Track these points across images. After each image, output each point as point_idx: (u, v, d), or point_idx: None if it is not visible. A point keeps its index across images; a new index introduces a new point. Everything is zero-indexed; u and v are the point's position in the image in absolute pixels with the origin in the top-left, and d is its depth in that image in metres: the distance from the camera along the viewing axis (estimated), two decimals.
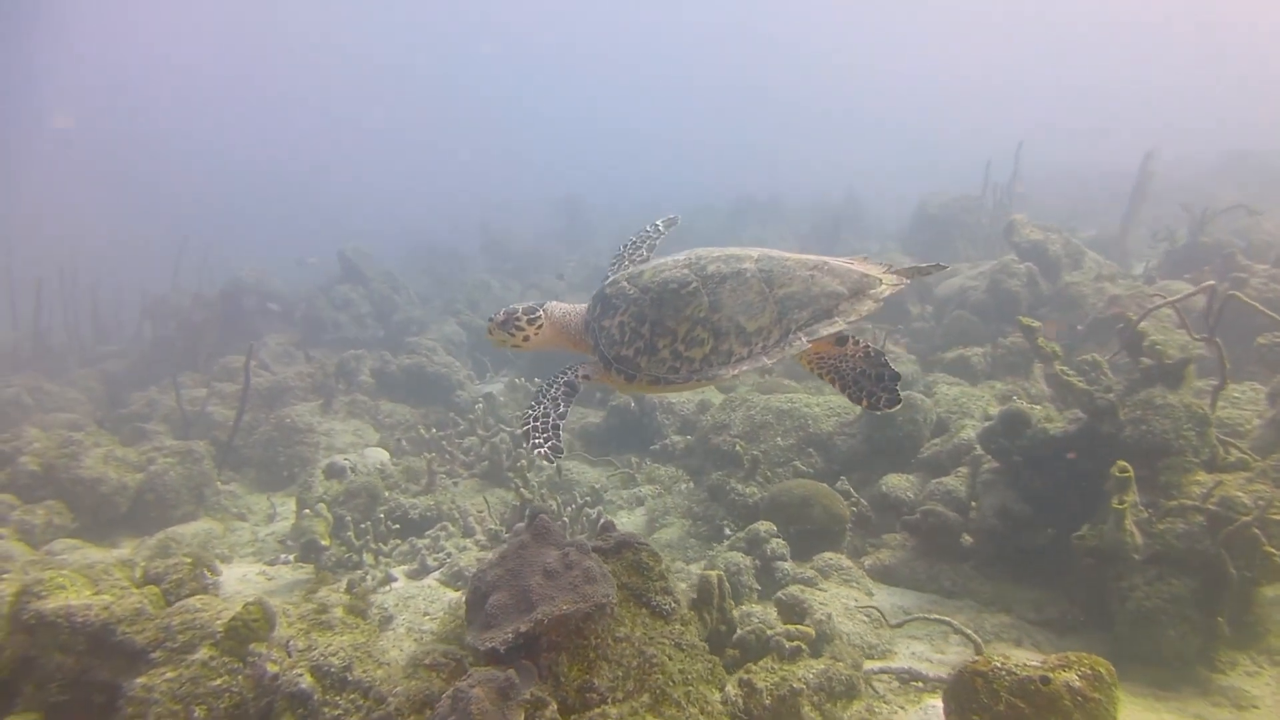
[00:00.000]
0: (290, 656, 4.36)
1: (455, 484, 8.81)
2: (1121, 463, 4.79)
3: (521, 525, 3.85)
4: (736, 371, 3.35)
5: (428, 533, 7.32)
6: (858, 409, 7.56)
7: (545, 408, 3.46)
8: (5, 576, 6.17)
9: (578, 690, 3.16)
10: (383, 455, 10.67)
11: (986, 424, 6.04)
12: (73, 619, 4.21)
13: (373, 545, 6.70)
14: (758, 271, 3.43)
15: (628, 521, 8.01)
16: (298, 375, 14.25)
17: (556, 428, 3.40)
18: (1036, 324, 5.83)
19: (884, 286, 3.44)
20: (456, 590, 6.08)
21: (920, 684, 4.44)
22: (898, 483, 6.58)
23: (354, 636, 4.51)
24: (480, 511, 7.98)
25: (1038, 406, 7.10)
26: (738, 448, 7.23)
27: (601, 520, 6.95)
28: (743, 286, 3.38)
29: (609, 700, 3.12)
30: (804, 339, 3.31)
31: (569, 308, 3.82)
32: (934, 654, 4.93)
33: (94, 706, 4.26)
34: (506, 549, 3.42)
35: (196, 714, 3.96)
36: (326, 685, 4.19)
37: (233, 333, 18.03)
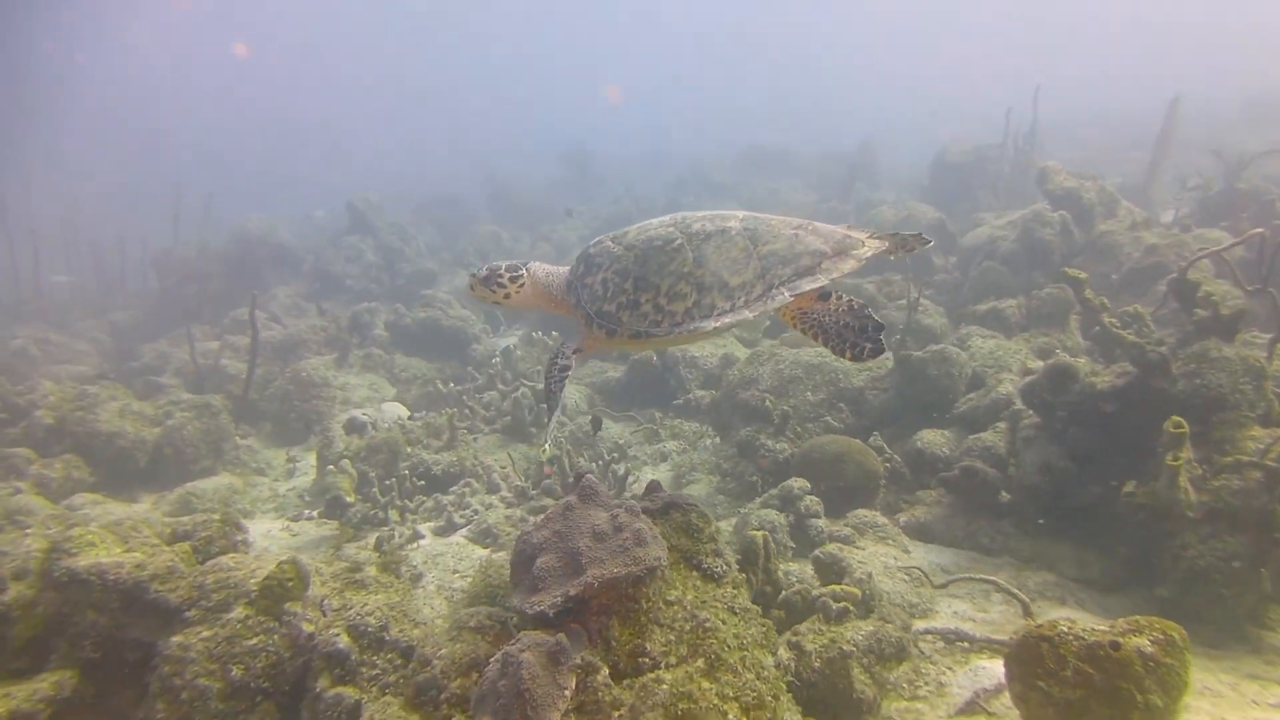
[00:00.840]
0: (325, 616, 4.28)
1: (475, 439, 8.71)
2: (1176, 418, 4.62)
3: (543, 484, 3.72)
4: (718, 324, 3.37)
5: (452, 489, 7.23)
6: (889, 363, 7.40)
7: (551, 403, 3.73)
8: (29, 531, 6.13)
9: (629, 655, 3.05)
10: (400, 410, 10.57)
11: (1028, 378, 5.86)
12: (105, 576, 4.12)
13: (398, 502, 6.61)
14: (742, 230, 3.48)
15: (653, 478, 7.90)
16: (311, 329, 14.12)
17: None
18: (1083, 275, 5.61)
19: (866, 248, 3.50)
20: (485, 548, 6.00)
21: (966, 644, 4.35)
22: (933, 438, 6.43)
23: (388, 596, 4.42)
24: (504, 468, 7.89)
25: (1081, 359, 6.92)
26: (767, 403, 7.09)
27: (629, 476, 6.87)
28: (727, 244, 3.43)
29: (662, 665, 3.01)
30: (786, 293, 3.36)
31: (551, 269, 3.86)
32: (977, 613, 4.83)
33: (127, 664, 4.20)
34: (552, 510, 3.29)
35: (234, 673, 3.89)
36: (364, 645, 4.12)
37: (241, 284, 17.86)
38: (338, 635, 4.06)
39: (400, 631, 4.21)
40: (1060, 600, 4.98)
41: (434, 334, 13.43)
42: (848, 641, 3.70)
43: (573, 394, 9.58)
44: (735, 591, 3.21)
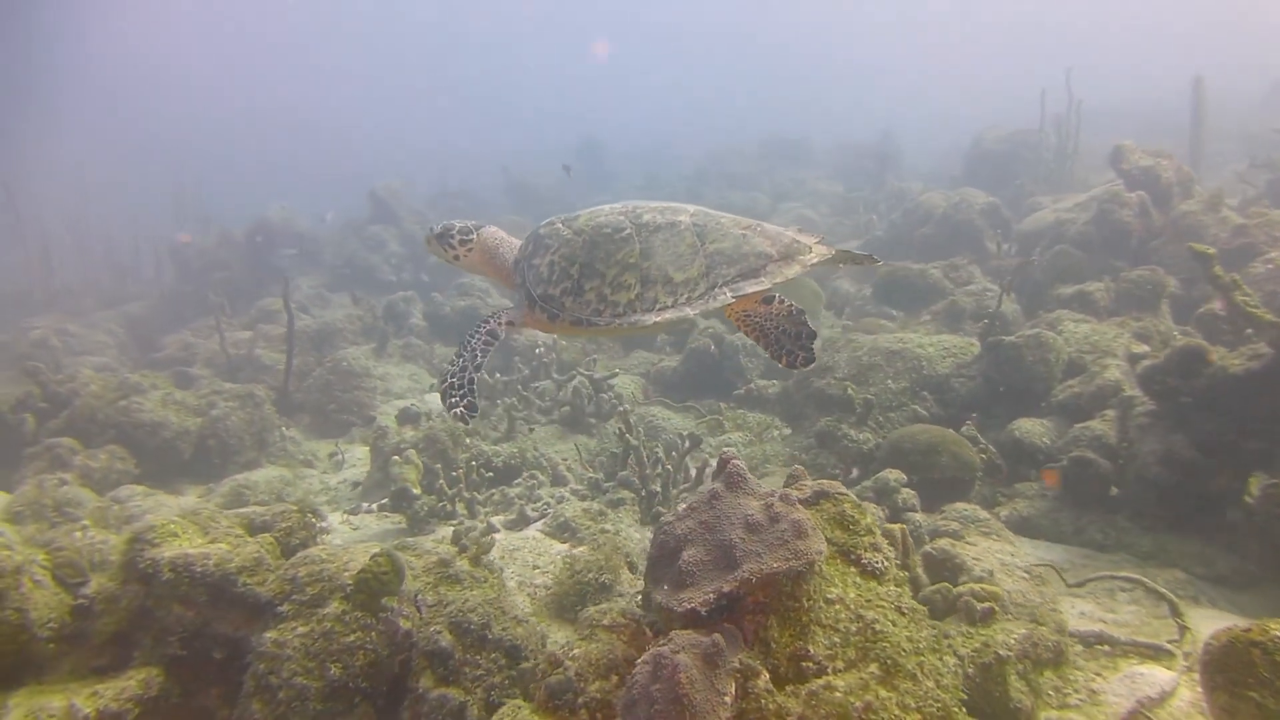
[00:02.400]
0: (420, 612, 4.02)
1: (531, 430, 8.43)
2: None
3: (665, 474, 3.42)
4: (659, 319, 3.36)
5: (517, 482, 6.96)
6: (975, 349, 7.07)
7: (464, 361, 3.52)
8: (81, 524, 5.91)
9: (790, 658, 2.76)
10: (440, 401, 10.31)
11: (1148, 362, 5.50)
12: (192, 568, 3.87)
13: (465, 494, 6.34)
14: (692, 225, 3.48)
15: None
16: (346, 318, 13.93)
17: (471, 383, 3.47)
18: (1211, 250, 5.26)
19: (813, 254, 3.54)
20: (564, 542, 5.72)
21: (1108, 648, 4.02)
22: (1031, 428, 6.09)
23: (484, 591, 4.15)
24: (566, 461, 7.61)
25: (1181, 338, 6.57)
26: (849, 391, 6.77)
27: (705, 468, 6.57)
28: (675, 238, 3.43)
29: (828, 670, 2.71)
30: (728, 294, 3.37)
31: (504, 238, 3.84)
32: (1105, 614, 4.51)
33: (214, 661, 3.95)
34: (696, 500, 3.00)
35: (332, 672, 3.63)
36: (466, 644, 3.85)
37: (261, 274, 17.67)
38: (439, 632, 3.80)
39: (503, 630, 3.95)
40: (1194, 599, 4.65)
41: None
42: (1003, 645, 3.39)
43: (627, 384, 9.29)
44: (899, 590, 2.91)
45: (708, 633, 2.73)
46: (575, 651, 3.00)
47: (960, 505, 5.66)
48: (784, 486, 3.20)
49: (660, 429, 8.29)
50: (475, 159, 36.90)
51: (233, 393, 9.61)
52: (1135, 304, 7.61)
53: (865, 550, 2.97)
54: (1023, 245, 12.08)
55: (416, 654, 3.82)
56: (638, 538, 5.77)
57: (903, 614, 2.82)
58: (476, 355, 3.55)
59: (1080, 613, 4.53)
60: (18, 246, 19.42)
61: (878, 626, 2.75)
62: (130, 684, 3.65)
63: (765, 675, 2.70)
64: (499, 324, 3.66)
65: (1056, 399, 6.33)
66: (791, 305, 3.54)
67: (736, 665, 2.68)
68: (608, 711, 2.87)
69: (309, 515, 4.65)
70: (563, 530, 5.77)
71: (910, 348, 7.13)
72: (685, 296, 3.38)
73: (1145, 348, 6.45)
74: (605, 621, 3.05)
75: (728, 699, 2.62)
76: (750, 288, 3.41)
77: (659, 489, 6.13)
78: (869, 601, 2.84)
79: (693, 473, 6.54)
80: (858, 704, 2.55)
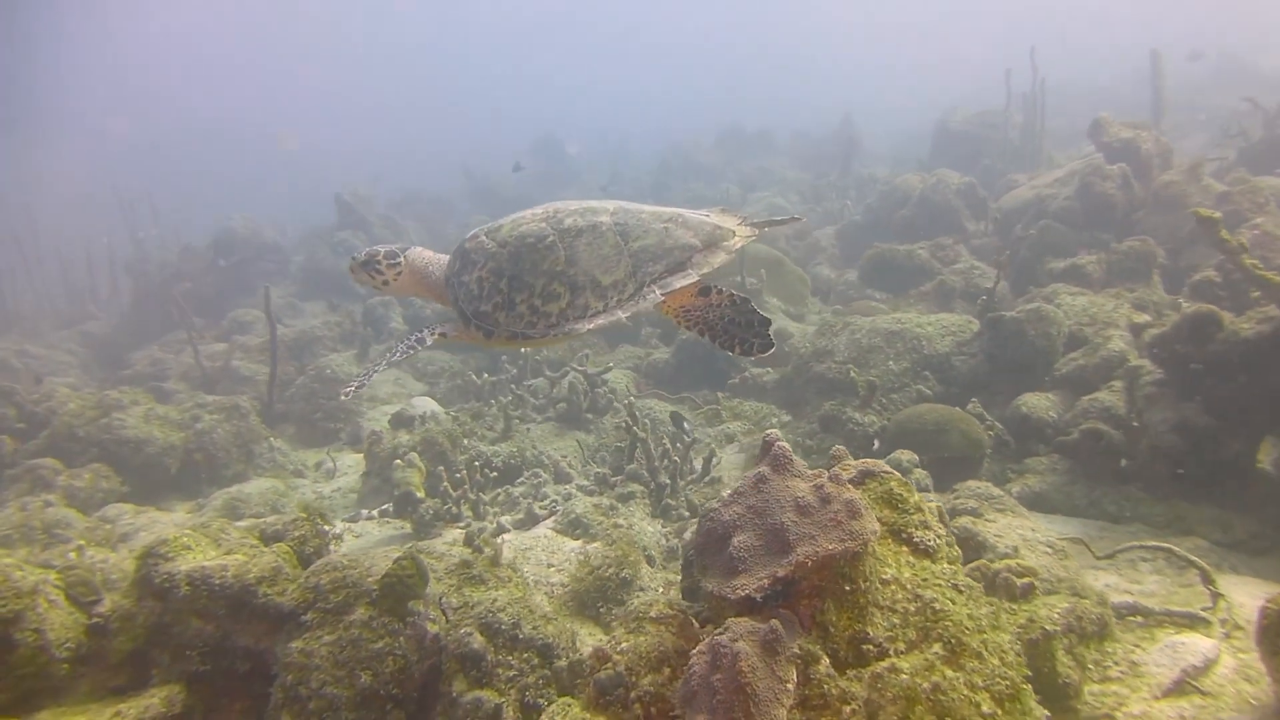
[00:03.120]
0: (445, 614, 3.92)
1: (528, 429, 8.31)
2: None
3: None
4: (592, 326, 3.34)
5: (519, 481, 6.85)
6: (974, 326, 7.09)
7: (383, 361, 3.62)
8: (75, 545, 5.70)
9: (849, 642, 2.70)
10: (432, 404, 10.16)
11: (1157, 330, 5.53)
12: (210, 581, 3.74)
13: (470, 495, 6.22)
14: (613, 225, 3.44)
15: (723, 460, 7.56)
16: (325, 325, 13.67)
17: (369, 375, 3.63)
18: (1217, 215, 5.28)
19: (737, 238, 3.54)
20: (576, 539, 5.63)
21: (1141, 619, 4.02)
22: (1037, 402, 6.10)
23: (510, 591, 4.06)
24: (566, 458, 7.51)
25: (1168, 314, 6.65)
26: (852, 374, 6.74)
27: (713, 458, 6.52)
28: (598, 240, 3.39)
29: (890, 652, 2.66)
30: (658, 292, 3.35)
31: (432, 256, 3.79)
32: (1130, 585, 4.52)
33: (237, 675, 3.83)
34: (742, 485, 2.93)
35: (363, 680, 3.53)
36: (498, 644, 3.76)
37: (228, 286, 17.26)
38: (470, 634, 3.70)
39: (534, 629, 3.86)
40: (1215, 566, 4.67)
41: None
42: (1047, 620, 3.36)
43: (620, 378, 9.19)
44: (953, 567, 2.87)
45: (764, 619, 2.66)
46: (623, 645, 2.92)
47: (972, 483, 5.65)
48: (763, 457, 3.14)
49: (658, 422, 8.22)
50: (436, 162, 36.53)
51: (217, 405, 9.37)
52: (1127, 275, 7.68)
53: (916, 528, 2.92)
54: (1001, 223, 12.18)
55: (447, 657, 3.72)
56: (651, 531, 5.70)
57: (960, 592, 2.78)
58: (395, 355, 3.60)
59: (1105, 585, 4.53)
60: None
61: (937, 605, 2.70)
62: (153, 702, 3.52)
63: (826, 660, 2.64)
64: (432, 336, 3.64)
65: (1060, 372, 6.35)
66: (733, 293, 3.51)
67: (796, 651, 2.62)
68: (662, 705, 2.79)
69: (320, 523, 4.52)
70: (574, 527, 5.68)
71: (909, 328, 7.12)
72: (615, 299, 3.36)
73: (1146, 317, 6.50)
74: (652, 614, 2.97)
75: (790, 686, 2.56)
76: (679, 283, 3.38)
77: (668, 481, 6.06)
78: (925, 581, 2.79)
79: (697, 465, 6.49)
80: (925, 685, 2.50)
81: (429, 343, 3.62)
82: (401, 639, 3.70)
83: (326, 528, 4.53)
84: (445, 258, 3.74)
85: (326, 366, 10.97)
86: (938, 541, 2.91)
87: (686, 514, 5.96)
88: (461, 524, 6.07)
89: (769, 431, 2.89)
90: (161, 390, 11.61)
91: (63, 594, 3.71)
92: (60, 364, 14.43)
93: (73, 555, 5.07)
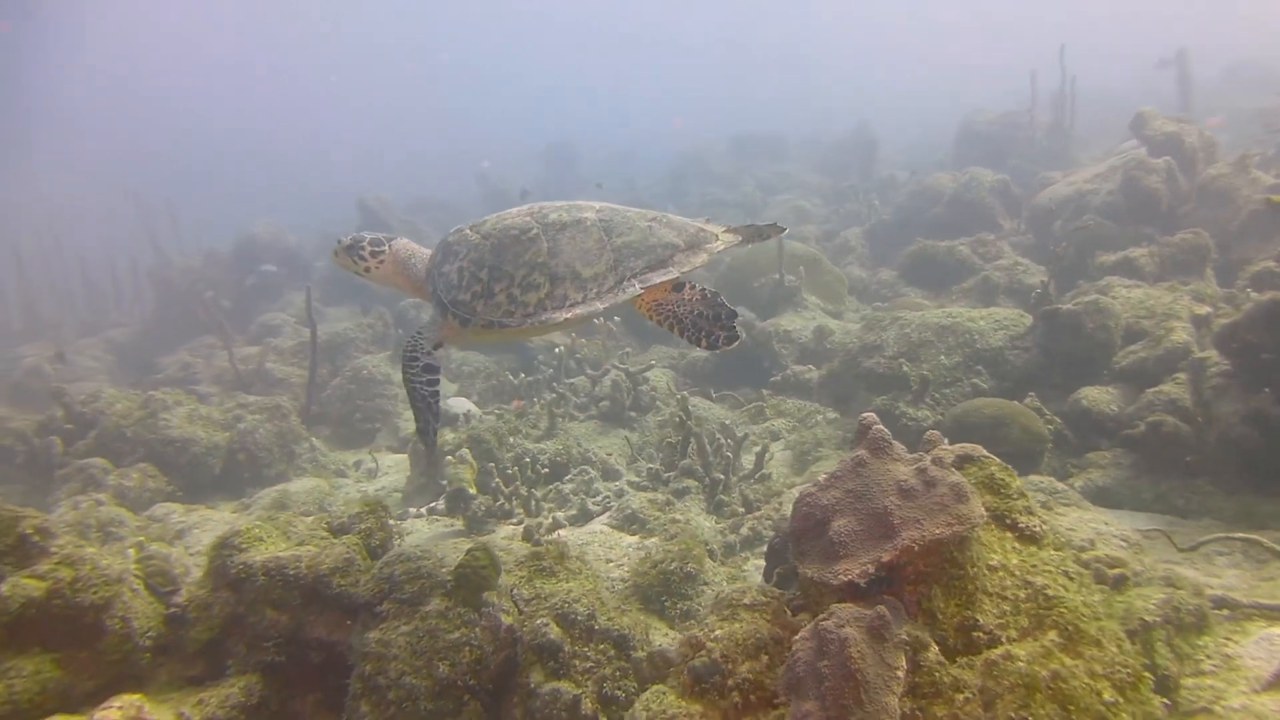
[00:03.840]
0: (517, 606, 3.89)
1: (571, 427, 8.28)
2: None
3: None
4: (570, 315, 3.39)
5: (568, 477, 6.83)
6: (1027, 320, 7.00)
7: (424, 411, 3.69)
8: (134, 540, 5.72)
9: (958, 629, 2.65)
10: (468, 404, 10.18)
11: (1228, 321, 5.42)
12: (285, 571, 3.74)
13: (522, 492, 6.19)
14: (598, 221, 3.54)
15: (775, 459, 7.50)
16: (357, 326, 13.71)
17: (436, 417, 3.73)
18: None
19: (719, 242, 3.61)
20: (632, 534, 5.59)
21: (1228, 611, 3.93)
22: (1098, 396, 6.00)
23: (580, 583, 4.01)
24: (611, 455, 7.48)
25: (1222, 307, 6.54)
26: (904, 368, 6.67)
27: (765, 454, 6.47)
28: (582, 234, 3.47)
29: (1001, 639, 2.60)
30: (637, 285, 3.43)
31: (416, 249, 3.85)
32: (1208, 578, 4.40)
33: (311, 666, 3.83)
34: (839, 469, 2.88)
35: (441, 670, 3.51)
36: (574, 635, 3.72)
37: (251, 292, 17.32)
38: (546, 625, 3.67)
39: (609, 620, 3.82)
40: None
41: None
42: (1144, 611, 3.29)
43: (660, 377, 9.15)
44: (1061, 554, 2.80)
45: (869, 605, 2.61)
46: (717, 633, 2.87)
47: (1034, 477, 5.58)
48: (922, 451, 3.09)
49: (701, 419, 8.17)
50: (449, 168, 36.65)
51: (258, 405, 9.42)
52: (1180, 268, 7.57)
53: (1020, 514, 2.86)
54: (1036, 220, 12.07)
55: (523, 648, 3.69)
56: (708, 526, 5.65)
57: (1071, 579, 2.71)
58: (430, 403, 3.68)
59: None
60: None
61: (1050, 592, 2.63)
62: (233, 691, 3.53)
63: (935, 647, 2.59)
64: (430, 354, 3.67)
65: (1119, 366, 6.24)
66: (704, 289, 3.56)
67: (904, 638, 2.56)
68: (761, 693, 2.75)
69: (385, 515, 4.51)
70: (630, 522, 5.64)
71: (961, 322, 7.03)
72: (595, 291, 3.41)
73: (1207, 309, 6.39)
74: (746, 600, 2.92)
75: (899, 673, 2.50)
76: (658, 278, 3.44)
77: (721, 476, 6.01)
78: (1034, 567, 2.73)
79: (743, 462, 6.43)
80: (1044, 673, 2.44)
81: (438, 364, 3.69)
82: (477, 630, 3.68)
83: (391, 521, 4.51)
84: (429, 251, 3.79)
85: (363, 368, 11.00)
86: (1042, 527, 2.84)
87: (741, 510, 5.91)
88: (514, 520, 6.05)
89: (865, 415, 2.85)
90: (196, 394, 11.67)
91: (142, 583, 3.72)
92: (87, 369, 14.56)
93: (131, 552, 5.11)
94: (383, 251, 3.76)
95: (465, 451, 6.49)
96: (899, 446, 2.84)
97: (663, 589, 4.67)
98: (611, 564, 5.26)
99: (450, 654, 3.56)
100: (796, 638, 2.63)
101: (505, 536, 5.51)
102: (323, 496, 7.87)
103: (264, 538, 3.99)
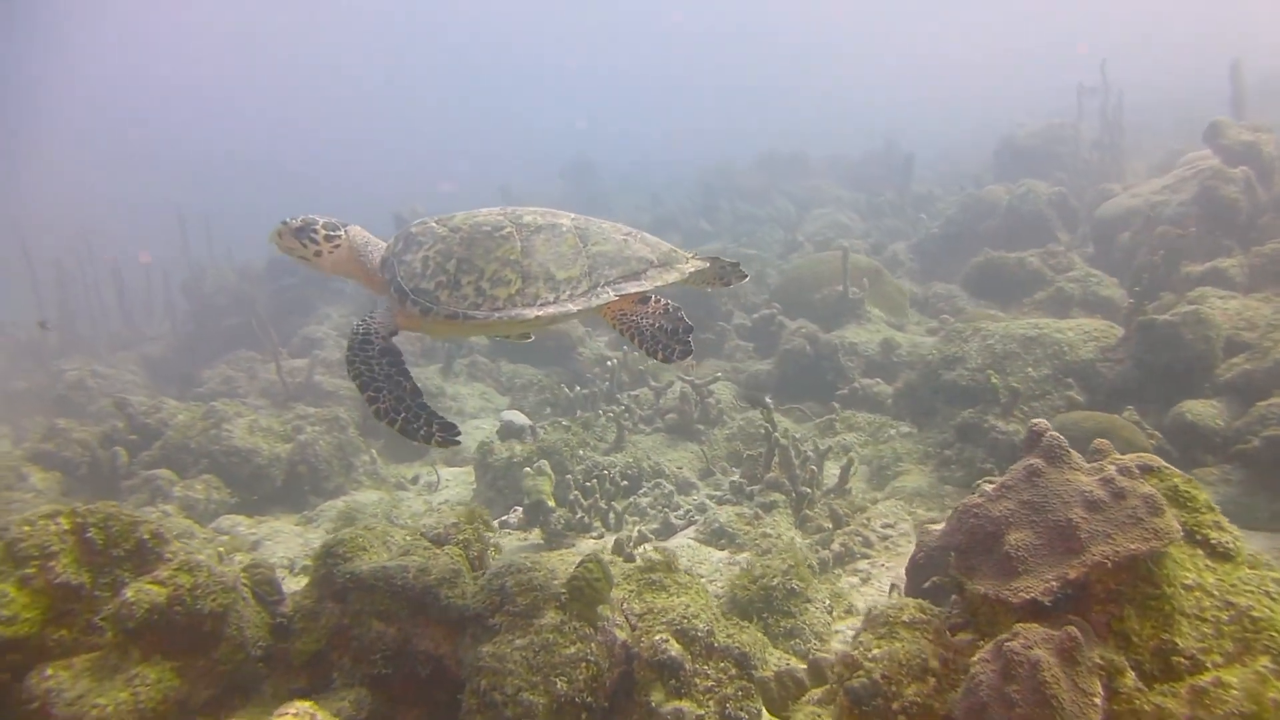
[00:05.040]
0: (629, 620, 3.75)
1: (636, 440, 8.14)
2: None
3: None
4: (541, 313, 3.32)
5: (643, 490, 6.68)
6: (1118, 331, 6.78)
7: (393, 395, 3.36)
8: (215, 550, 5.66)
9: (1155, 653, 2.46)
10: (521, 417, 10.07)
11: None
12: (392, 582, 3.62)
13: (601, 505, 6.06)
14: (573, 228, 3.53)
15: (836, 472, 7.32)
16: (405, 339, 13.65)
17: (424, 408, 3.35)
18: None
19: (689, 264, 3.61)
20: (721, 549, 5.43)
21: None
22: (1202, 410, 5.75)
23: (693, 598, 3.86)
24: (682, 469, 7.34)
25: None
26: (992, 380, 6.46)
27: (850, 467, 6.29)
28: (557, 238, 3.45)
29: (1205, 665, 2.41)
30: (611, 292, 3.40)
31: (371, 237, 3.71)
32: None
33: (417, 680, 3.69)
34: (1009, 479, 2.71)
35: (558, 686, 3.36)
36: (695, 653, 3.56)
37: (286, 307, 17.32)
38: (666, 642, 3.52)
39: (728, 637, 3.66)
40: None
41: (538, 340, 12.88)
42: None
43: (723, 391, 8.99)
44: (1258, 572, 2.61)
45: (1054, 625, 2.44)
46: (875, 652, 2.71)
47: None
48: (1088, 459, 2.91)
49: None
50: (472, 177, 36.75)
51: (318, 417, 9.39)
52: (1272, 279, 7.30)
53: (1210, 529, 2.67)
54: (1099, 232, 11.82)
55: (640, 665, 3.54)
56: (800, 541, 5.48)
57: (1274, 599, 2.52)
58: (400, 381, 3.42)
59: None
60: (31, 290, 19.05)
61: (1255, 614, 2.44)
62: (344, 705, 3.41)
63: (1130, 673, 2.41)
64: (383, 336, 3.48)
65: (1223, 378, 5.99)
66: (668, 303, 3.54)
67: (1098, 661, 2.38)
68: (930, 717, 2.57)
69: (483, 527, 4.39)
70: (718, 536, 5.48)
71: (1048, 333, 6.82)
72: (568, 294, 3.37)
73: None
74: (905, 618, 2.75)
75: (1096, 700, 2.32)
76: (632, 288, 3.43)
77: (809, 490, 5.84)
78: (1233, 587, 2.54)
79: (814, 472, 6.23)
80: (1267, 701, 2.24)
81: (397, 349, 3.51)
82: (592, 645, 3.53)
83: (489, 534, 4.40)
84: (384, 242, 3.67)
85: (416, 380, 10.93)
86: (1235, 544, 2.66)
87: (829, 525, 5.72)
88: (594, 534, 5.92)
89: (1036, 421, 2.68)
90: (246, 406, 11.69)
91: (250, 592, 3.62)
92: (127, 383, 14.54)
93: (239, 559, 5.04)
94: (338, 236, 3.57)
95: (544, 463, 6.37)
96: (1077, 455, 2.67)
97: (764, 605, 4.51)
98: (703, 579, 5.10)
99: (567, 670, 3.41)
100: (974, 659, 2.45)
101: (586, 552, 5.36)
102: (389, 509, 7.79)
103: (366, 547, 3.88)
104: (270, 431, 9.08)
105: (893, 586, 4.06)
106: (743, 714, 3.46)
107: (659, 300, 3.57)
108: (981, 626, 2.63)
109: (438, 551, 3.92)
